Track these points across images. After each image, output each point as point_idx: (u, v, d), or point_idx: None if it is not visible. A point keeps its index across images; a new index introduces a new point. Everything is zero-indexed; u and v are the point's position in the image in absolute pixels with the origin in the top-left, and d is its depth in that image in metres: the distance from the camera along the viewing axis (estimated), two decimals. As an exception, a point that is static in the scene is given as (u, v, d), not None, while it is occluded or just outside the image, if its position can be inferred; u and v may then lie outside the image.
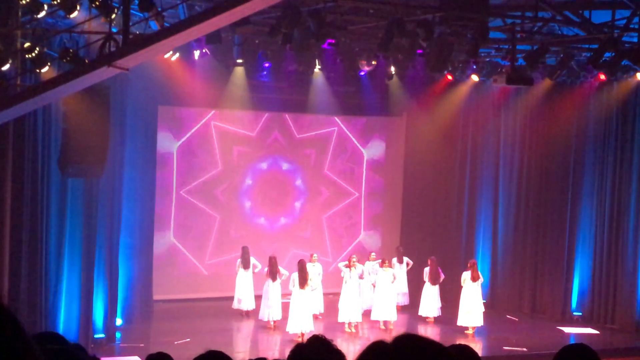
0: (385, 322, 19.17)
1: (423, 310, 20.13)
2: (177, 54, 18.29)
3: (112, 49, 11.92)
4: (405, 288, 21.11)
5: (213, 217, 22.08)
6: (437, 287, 20.16)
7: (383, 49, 16.25)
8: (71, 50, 12.99)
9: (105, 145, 14.84)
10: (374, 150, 23.84)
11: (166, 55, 17.83)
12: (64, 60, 12.94)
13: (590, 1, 17.11)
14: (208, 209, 22.01)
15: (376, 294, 19.31)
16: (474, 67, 20.71)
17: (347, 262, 19.28)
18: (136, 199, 19.47)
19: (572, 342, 17.91)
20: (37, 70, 13.41)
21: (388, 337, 1.91)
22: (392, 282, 19.05)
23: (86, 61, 12.76)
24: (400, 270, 20.89)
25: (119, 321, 18.11)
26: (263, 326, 19.04)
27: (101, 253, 16.87)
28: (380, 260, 19.66)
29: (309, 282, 17.95)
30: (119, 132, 17.06)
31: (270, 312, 18.86)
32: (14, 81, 13.29)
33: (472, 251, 22.48)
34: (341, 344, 17.11)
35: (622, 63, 17.58)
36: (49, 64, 13.46)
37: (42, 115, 15.38)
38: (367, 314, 19.47)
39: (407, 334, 1.76)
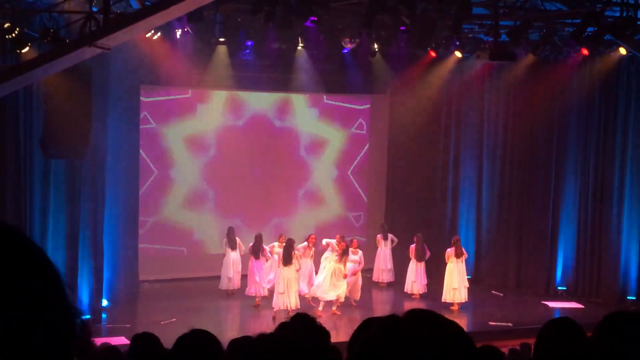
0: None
1: (409, 287, 20.20)
2: (159, 33, 18.16)
3: (93, 28, 11.84)
4: (390, 265, 21.23)
5: (200, 196, 22.02)
6: (422, 264, 20.23)
7: (366, 26, 16.19)
8: (52, 30, 12.89)
9: (87, 125, 14.73)
10: (357, 127, 23.81)
11: (148, 35, 17.71)
12: (45, 41, 12.85)
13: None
14: (194, 187, 21.94)
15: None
16: (457, 43, 20.63)
17: (306, 244, 18.93)
18: (120, 178, 19.37)
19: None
20: (18, 51, 13.31)
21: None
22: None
23: (67, 41, 12.66)
24: (385, 247, 21.09)
25: (104, 302, 18.08)
26: (249, 304, 19.06)
27: (85, 234, 16.81)
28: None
29: (293, 261, 17.96)
30: (101, 112, 16.94)
31: (256, 289, 18.92)
32: (-6, 62, 13.20)
33: (456, 227, 22.53)
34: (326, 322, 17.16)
35: (605, 38, 17.56)
36: (29, 44, 13.37)
37: (23, 96, 15.26)
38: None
39: (419, 309, 1.75)
